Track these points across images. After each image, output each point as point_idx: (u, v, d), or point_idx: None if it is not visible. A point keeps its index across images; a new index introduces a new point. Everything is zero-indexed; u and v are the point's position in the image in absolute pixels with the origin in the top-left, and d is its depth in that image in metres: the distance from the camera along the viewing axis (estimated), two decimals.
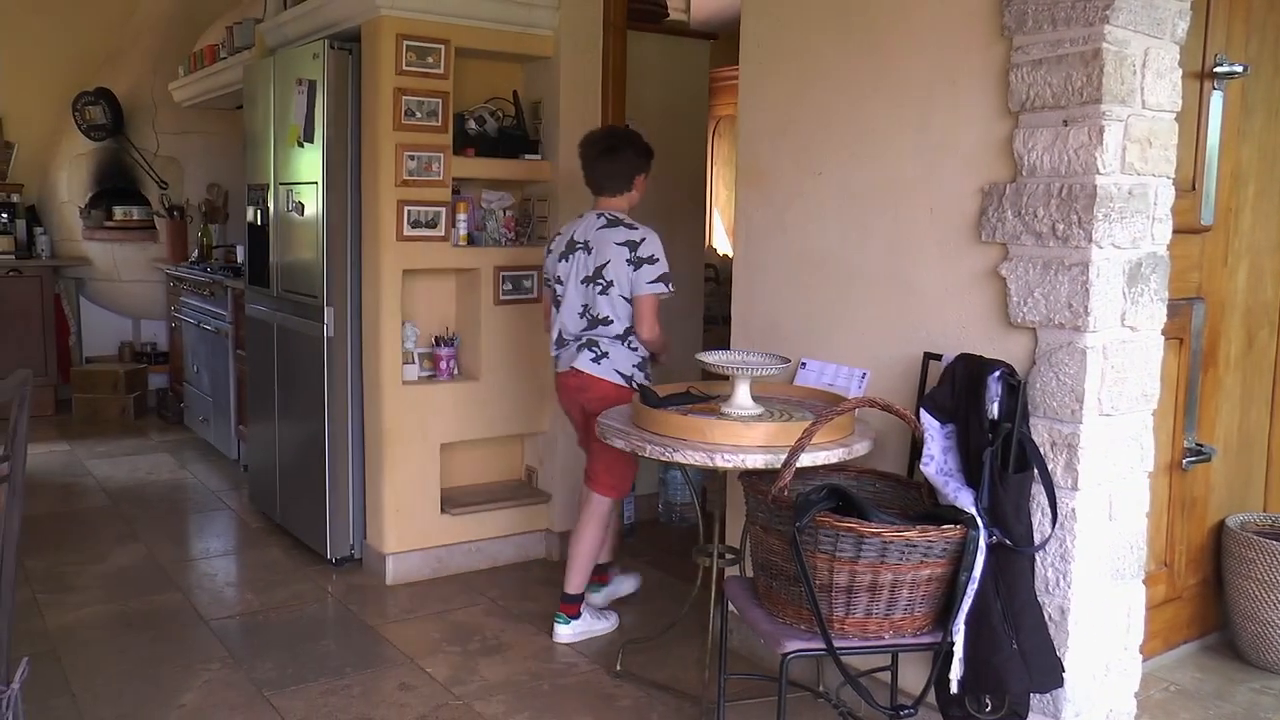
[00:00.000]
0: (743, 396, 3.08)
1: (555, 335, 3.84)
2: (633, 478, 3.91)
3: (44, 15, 7.79)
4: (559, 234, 3.89)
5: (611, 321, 3.70)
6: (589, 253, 3.72)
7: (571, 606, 3.84)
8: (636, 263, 3.65)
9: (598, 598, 4.05)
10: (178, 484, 5.91)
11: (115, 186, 7.82)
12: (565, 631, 3.83)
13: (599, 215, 3.77)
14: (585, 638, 3.85)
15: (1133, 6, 2.60)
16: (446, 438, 4.48)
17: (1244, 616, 3.59)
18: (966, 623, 2.56)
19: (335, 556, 4.54)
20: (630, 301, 3.70)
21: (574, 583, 3.82)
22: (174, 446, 6.76)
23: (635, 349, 3.75)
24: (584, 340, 3.75)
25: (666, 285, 3.69)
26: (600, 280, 3.68)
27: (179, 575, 4.46)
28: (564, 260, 3.79)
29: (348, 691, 3.43)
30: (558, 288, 3.82)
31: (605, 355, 3.73)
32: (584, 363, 3.74)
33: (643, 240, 3.68)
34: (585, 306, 3.73)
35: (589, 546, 3.80)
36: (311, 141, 4.40)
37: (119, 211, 7.77)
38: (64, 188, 7.88)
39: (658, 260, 3.67)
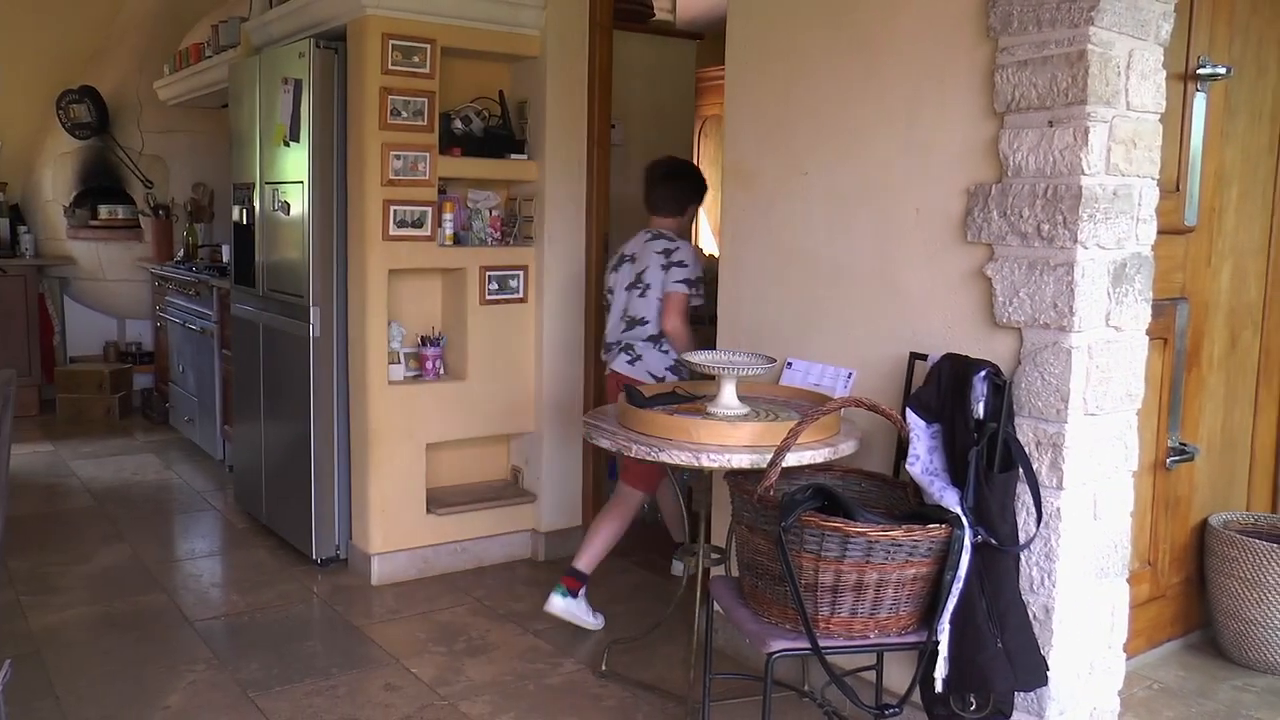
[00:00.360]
0: (729, 396, 3.08)
1: (605, 341, 4.22)
2: (659, 474, 3.98)
3: (28, 12, 7.74)
4: (618, 252, 4.23)
5: (647, 322, 4.04)
6: (633, 263, 4.10)
7: (574, 582, 3.91)
8: (668, 266, 4.00)
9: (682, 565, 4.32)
10: (163, 484, 5.89)
11: (100, 185, 7.79)
12: (559, 603, 3.88)
13: (647, 232, 4.15)
14: (572, 620, 3.89)
15: (1117, 8, 2.62)
16: (432, 438, 4.47)
17: (1226, 615, 3.61)
18: (951, 622, 2.56)
19: (321, 557, 4.53)
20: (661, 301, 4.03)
21: (584, 560, 3.92)
22: (159, 447, 6.73)
23: (666, 352, 4.06)
24: (623, 344, 4.11)
25: (689, 288, 4.00)
26: (640, 284, 4.04)
27: (164, 576, 4.45)
28: (615, 271, 4.17)
29: (333, 692, 3.42)
30: (609, 296, 4.20)
31: (639, 358, 4.06)
32: (620, 365, 4.09)
33: (677, 249, 4.03)
34: (624, 310, 4.10)
35: (609, 532, 3.94)
36: (297, 141, 4.39)
37: (104, 210, 7.74)
38: (48, 186, 7.85)
39: (687, 265, 4.00)
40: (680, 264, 3.98)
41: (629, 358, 4.07)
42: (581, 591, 3.91)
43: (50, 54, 7.83)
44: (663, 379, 3.95)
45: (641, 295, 4.03)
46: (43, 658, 3.62)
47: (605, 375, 4.22)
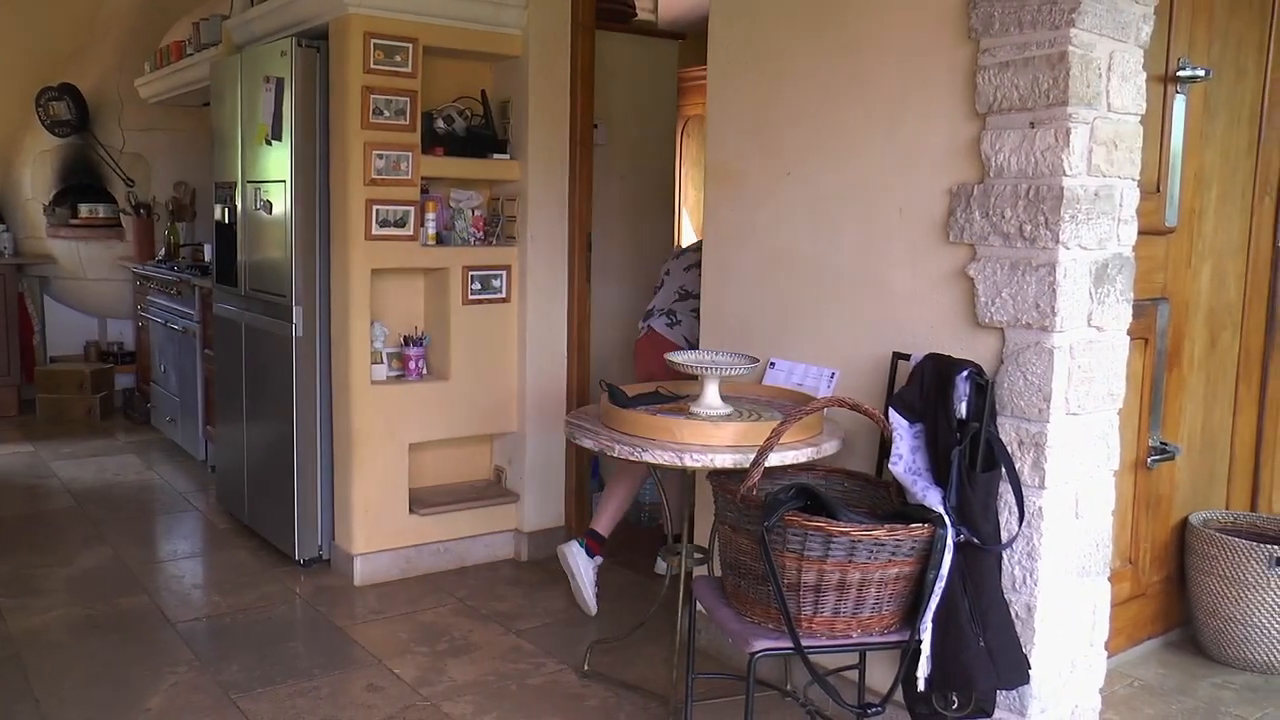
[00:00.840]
0: (712, 396, 3.09)
1: (646, 310, 4.47)
2: None
3: (5, 8, 7.68)
4: (682, 246, 4.62)
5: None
6: (698, 251, 4.20)
7: (595, 545, 4.07)
8: None
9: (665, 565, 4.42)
10: (144, 485, 5.86)
11: (80, 183, 7.74)
12: (576, 550, 4.03)
13: None
14: (574, 577, 4.01)
15: (1098, 10, 2.63)
16: (415, 438, 4.46)
17: (1206, 613, 3.63)
18: (934, 621, 2.57)
19: (303, 557, 4.52)
20: None
21: (601, 523, 4.11)
22: (141, 447, 6.70)
23: None
24: (668, 310, 4.36)
25: None
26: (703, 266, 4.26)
27: (146, 577, 4.42)
28: (676, 259, 4.51)
29: (315, 693, 3.41)
30: (664, 277, 4.48)
31: (679, 322, 4.32)
32: (660, 326, 4.34)
33: None
34: (682, 286, 4.36)
35: (621, 495, 4.16)
36: (279, 140, 4.37)
37: (84, 209, 7.69)
38: (27, 184, 7.79)
39: None
40: None
41: (669, 321, 4.32)
42: (598, 559, 4.04)
43: (29, 50, 7.77)
44: (694, 345, 4.14)
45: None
46: (23, 661, 3.59)
47: (639, 337, 4.44)
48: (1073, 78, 2.59)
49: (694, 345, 4.14)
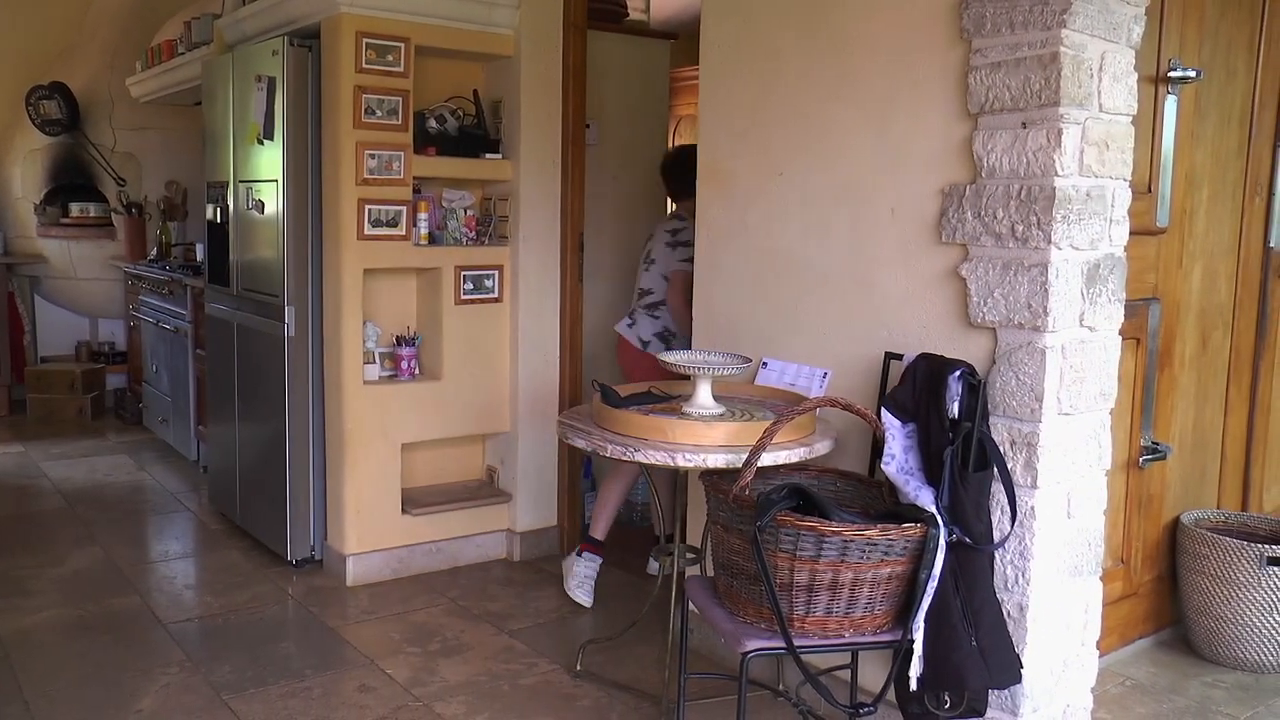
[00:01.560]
0: (704, 396, 3.09)
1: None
2: None
3: None
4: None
5: (650, 292, 4.37)
6: (651, 239, 4.46)
7: (586, 546, 4.21)
8: (674, 245, 4.31)
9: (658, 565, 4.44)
10: (136, 485, 5.85)
11: (71, 183, 7.72)
12: (572, 560, 4.22)
13: (671, 214, 4.54)
14: (567, 573, 4.20)
15: (1089, 11, 2.63)
16: (407, 438, 4.45)
17: (1197, 612, 3.64)
18: (926, 620, 2.57)
19: (295, 558, 4.51)
20: (667, 279, 4.31)
21: (596, 528, 4.24)
22: (132, 447, 6.68)
23: (658, 318, 4.37)
24: (630, 310, 4.45)
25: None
26: (649, 260, 4.39)
27: (137, 578, 4.41)
28: (643, 249, 4.53)
29: (307, 694, 3.40)
30: (641, 270, 4.49)
31: (635, 323, 4.39)
32: (621, 327, 4.44)
33: (685, 229, 4.24)
34: (640, 285, 4.42)
35: (615, 498, 4.28)
36: (271, 139, 4.36)
37: (75, 208, 7.68)
38: (18, 183, 7.77)
39: (693, 246, 4.13)
40: (686, 244, 4.12)
41: (629, 321, 4.40)
42: (588, 554, 4.19)
43: (18, 49, 7.74)
44: (648, 343, 4.31)
45: (647, 270, 4.36)
46: (12, 662, 3.58)
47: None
48: (1064, 78, 2.59)
49: (647, 344, 4.31)
